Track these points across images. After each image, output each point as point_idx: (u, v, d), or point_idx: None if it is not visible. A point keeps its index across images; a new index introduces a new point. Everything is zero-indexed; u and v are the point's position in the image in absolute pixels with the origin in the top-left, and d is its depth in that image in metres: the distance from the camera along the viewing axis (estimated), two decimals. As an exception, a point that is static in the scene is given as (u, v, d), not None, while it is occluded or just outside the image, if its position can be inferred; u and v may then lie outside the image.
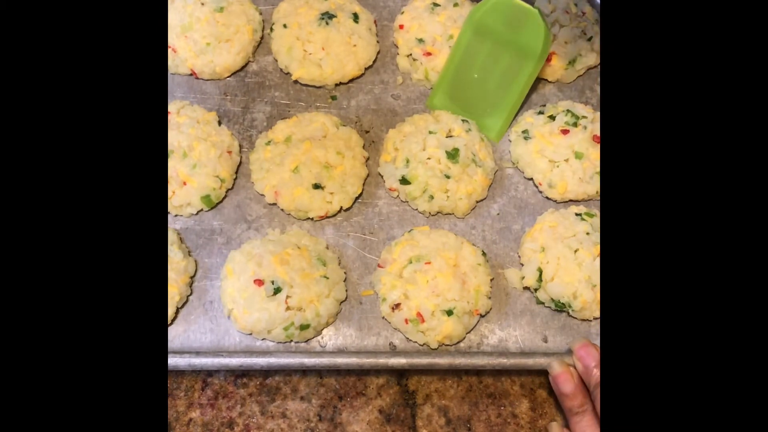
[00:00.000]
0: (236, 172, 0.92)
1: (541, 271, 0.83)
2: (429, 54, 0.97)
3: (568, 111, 0.93)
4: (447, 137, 0.90)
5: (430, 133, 0.90)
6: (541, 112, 0.95)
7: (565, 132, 0.91)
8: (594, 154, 0.90)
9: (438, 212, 0.90)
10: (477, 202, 0.91)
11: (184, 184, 0.87)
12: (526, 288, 0.86)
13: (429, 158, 0.88)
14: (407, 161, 0.89)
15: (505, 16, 0.88)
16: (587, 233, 0.84)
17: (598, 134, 0.91)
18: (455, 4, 1.00)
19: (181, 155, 0.87)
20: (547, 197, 0.92)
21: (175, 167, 0.86)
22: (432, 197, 0.88)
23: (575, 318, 0.84)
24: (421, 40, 0.98)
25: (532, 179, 0.93)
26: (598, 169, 0.90)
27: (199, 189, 0.87)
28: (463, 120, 0.93)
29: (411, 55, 0.99)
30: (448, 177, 0.88)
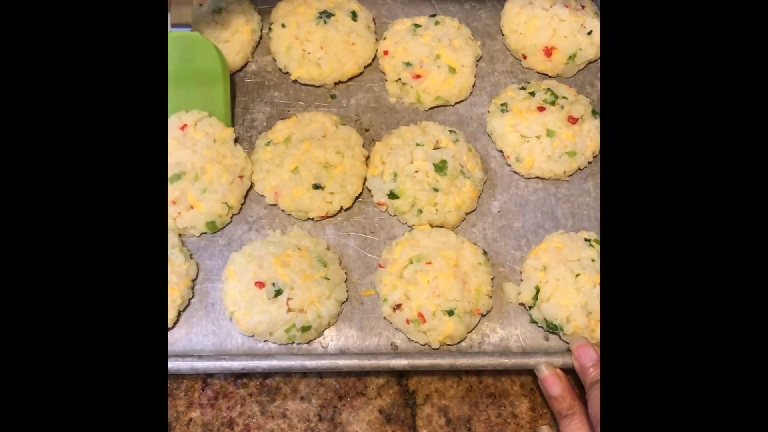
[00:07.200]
0: (245, 198, 0.90)
1: (538, 290, 0.82)
2: (419, 77, 0.95)
3: (548, 89, 0.93)
4: (434, 149, 0.89)
5: (417, 145, 0.89)
6: (523, 88, 0.95)
7: (541, 109, 0.91)
8: (566, 134, 0.89)
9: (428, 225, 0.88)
10: (466, 213, 0.90)
11: (192, 207, 0.85)
12: (521, 305, 0.85)
13: (417, 171, 0.87)
14: (395, 175, 0.87)
15: (177, 52, 0.86)
16: (592, 260, 0.82)
17: (575, 115, 0.90)
18: (437, 23, 0.99)
19: (192, 178, 0.84)
20: (514, 171, 0.93)
21: (185, 189, 0.84)
22: (420, 211, 0.86)
23: (565, 342, 0.82)
24: (408, 64, 0.96)
25: (502, 151, 0.93)
26: (568, 149, 0.90)
27: (206, 215, 0.85)
28: (450, 131, 0.92)
29: (400, 79, 0.97)
30: (436, 190, 0.86)
